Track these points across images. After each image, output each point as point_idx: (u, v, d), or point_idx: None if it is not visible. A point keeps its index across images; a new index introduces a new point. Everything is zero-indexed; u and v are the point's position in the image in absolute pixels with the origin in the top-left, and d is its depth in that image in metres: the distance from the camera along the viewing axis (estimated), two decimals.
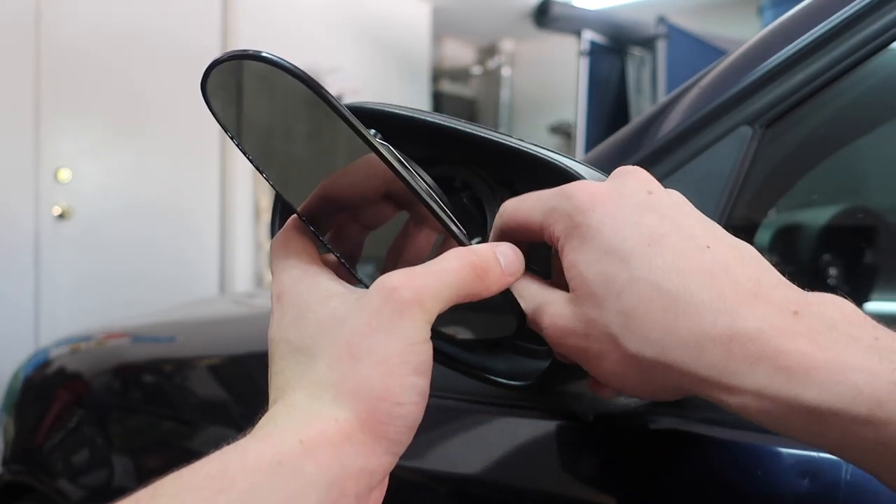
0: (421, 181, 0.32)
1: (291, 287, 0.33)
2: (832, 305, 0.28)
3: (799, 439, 0.27)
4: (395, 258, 0.37)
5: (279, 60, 0.29)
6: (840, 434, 0.25)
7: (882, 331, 0.26)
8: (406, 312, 0.29)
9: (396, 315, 0.29)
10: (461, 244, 0.32)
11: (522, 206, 0.34)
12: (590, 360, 0.31)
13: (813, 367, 0.25)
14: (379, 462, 0.29)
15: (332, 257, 0.37)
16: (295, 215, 0.36)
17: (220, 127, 0.34)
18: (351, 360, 0.29)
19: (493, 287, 0.32)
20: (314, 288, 0.32)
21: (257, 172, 0.36)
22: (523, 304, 0.33)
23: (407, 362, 0.29)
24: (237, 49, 0.30)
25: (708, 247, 0.30)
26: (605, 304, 0.30)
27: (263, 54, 0.30)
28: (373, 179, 0.32)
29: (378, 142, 0.31)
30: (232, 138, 0.34)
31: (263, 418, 0.30)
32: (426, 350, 0.30)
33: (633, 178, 0.33)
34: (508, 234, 0.35)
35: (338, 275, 0.37)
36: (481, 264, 0.31)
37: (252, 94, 0.32)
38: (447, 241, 0.36)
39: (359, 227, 0.37)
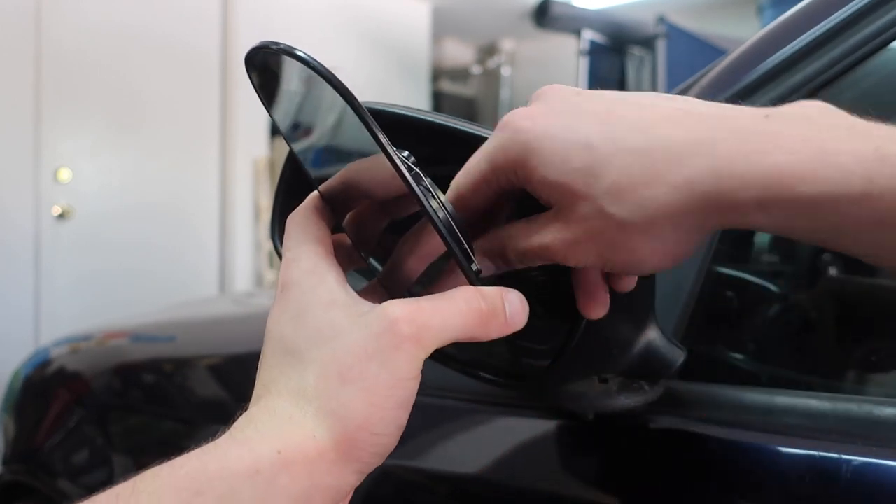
0: (443, 210, 0.31)
1: (297, 281, 0.32)
2: (802, 105, 0.28)
3: (800, 236, 0.27)
4: (410, 249, 0.37)
5: (320, 67, 0.29)
6: (837, 219, 0.25)
7: (856, 119, 0.27)
8: (403, 347, 0.29)
9: (393, 347, 0.29)
10: (472, 282, 0.32)
11: (469, 167, 0.34)
12: (609, 256, 0.31)
13: (800, 162, 0.26)
14: (346, 481, 0.30)
15: (346, 238, 0.37)
16: (316, 193, 0.35)
17: (259, 98, 0.34)
18: (339, 379, 0.29)
19: (492, 334, 0.32)
20: (319, 288, 0.32)
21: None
22: (531, 245, 0.33)
23: (393, 396, 0.29)
24: (285, 44, 0.30)
25: (653, 104, 0.30)
26: (591, 192, 0.29)
27: (298, 53, 0.29)
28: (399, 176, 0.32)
29: (406, 163, 0.30)
30: (270, 114, 0.34)
31: (244, 417, 0.30)
32: (413, 385, 0.30)
33: (554, 90, 0.33)
34: (467, 202, 0.34)
35: (350, 258, 0.37)
36: (489, 312, 0.31)
37: (294, 79, 0.32)
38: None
39: (379, 214, 0.37)
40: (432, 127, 0.41)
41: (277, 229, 0.54)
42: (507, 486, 0.53)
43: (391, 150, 0.29)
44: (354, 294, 0.32)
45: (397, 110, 0.43)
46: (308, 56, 0.30)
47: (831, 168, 0.25)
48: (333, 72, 0.29)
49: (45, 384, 1.16)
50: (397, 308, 0.30)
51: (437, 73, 4.96)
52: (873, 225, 0.25)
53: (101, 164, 3.02)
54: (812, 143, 0.26)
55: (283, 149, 3.29)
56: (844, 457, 0.40)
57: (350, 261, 0.38)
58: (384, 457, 0.30)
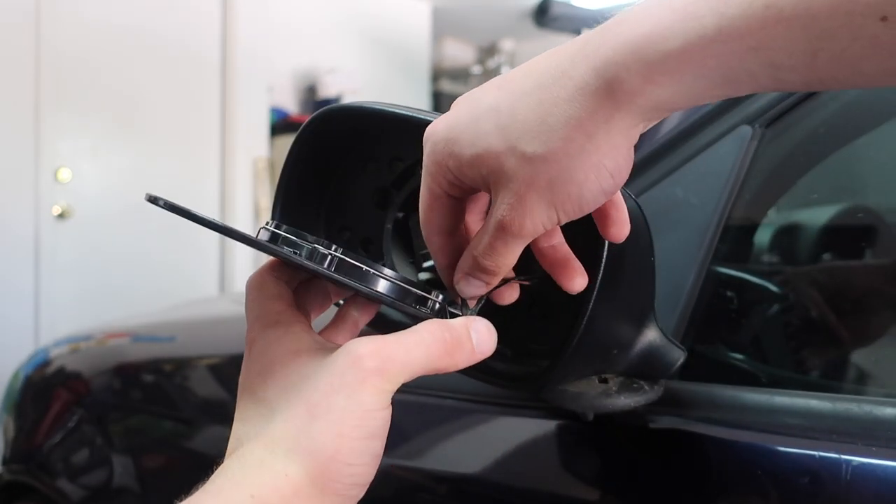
0: (381, 278, 0.32)
1: (261, 336, 0.33)
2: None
3: (712, 97, 0.28)
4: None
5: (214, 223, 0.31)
6: (718, 62, 0.26)
7: None
8: (368, 381, 0.30)
9: (358, 382, 0.30)
10: (430, 317, 0.33)
11: (421, 191, 0.35)
12: (556, 200, 0.31)
13: (655, 25, 0.26)
14: None
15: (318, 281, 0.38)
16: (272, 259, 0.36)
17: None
18: (307, 416, 0.30)
19: (461, 364, 0.32)
20: (284, 338, 0.33)
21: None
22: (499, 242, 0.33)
23: (361, 426, 0.30)
24: (164, 200, 0.32)
25: (535, 59, 0.32)
26: (508, 143, 0.30)
27: (188, 212, 0.31)
28: None
29: (329, 252, 0.32)
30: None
31: (217, 471, 0.31)
32: (384, 416, 0.30)
33: (458, 99, 0.35)
34: (432, 223, 0.35)
35: (329, 294, 0.38)
36: (453, 342, 0.32)
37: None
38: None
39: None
40: None
41: None
42: (507, 486, 0.53)
43: (308, 264, 0.30)
44: (320, 338, 0.34)
45: (397, 110, 0.43)
46: (193, 212, 0.31)
47: (686, 19, 0.26)
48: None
49: (45, 384, 1.16)
50: (361, 345, 0.30)
51: (437, 73, 4.95)
52: (747, 53, 0.25)
53: (101, 164, 3.02)
54: (658, 9, 0.27)
55: (283, 149, 3.29)
56: (844, 457, 0.40)
57: (331, 295, 0.39)
58: (364, 486, 0.31)
